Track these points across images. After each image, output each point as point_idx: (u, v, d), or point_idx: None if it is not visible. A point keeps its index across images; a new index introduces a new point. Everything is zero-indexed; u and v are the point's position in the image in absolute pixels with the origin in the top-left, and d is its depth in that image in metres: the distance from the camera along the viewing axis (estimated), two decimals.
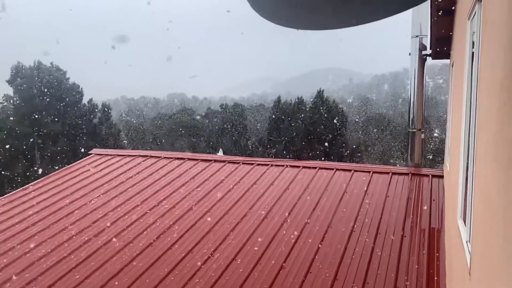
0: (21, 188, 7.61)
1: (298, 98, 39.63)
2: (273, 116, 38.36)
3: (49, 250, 5.37)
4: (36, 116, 34.37)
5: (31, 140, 33.47)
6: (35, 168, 32.21)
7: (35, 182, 7.84)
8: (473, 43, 3.05)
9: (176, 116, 45.82)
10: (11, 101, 37.11)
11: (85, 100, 39.42)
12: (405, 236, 5.16)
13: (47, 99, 35.91)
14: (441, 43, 7.08)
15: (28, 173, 30.73)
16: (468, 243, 2.40)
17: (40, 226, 6.05)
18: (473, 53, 3.01)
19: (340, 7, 1.04)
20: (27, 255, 5.33)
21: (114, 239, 5.55)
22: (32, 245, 5.52)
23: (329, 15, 1.07)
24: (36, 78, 36.50)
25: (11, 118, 34.30)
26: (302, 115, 37.01)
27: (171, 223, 5.88)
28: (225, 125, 40.92)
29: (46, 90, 36.04)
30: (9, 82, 36.82)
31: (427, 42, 7.79)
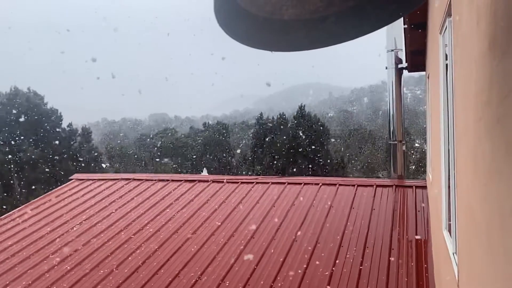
0: None
1: (280, 114, 39.90)
2: (256, 133, 38.45)
3: (30, 282, 5.18)
4: (14, 143, 33.60)
5: (9, 167, 32.59)
6: (15, 197, 31.29)
7: (14, 210, 7.60)
8: (446, 55, 3.14)
9: (158, 136, 45.48)
10: None
11: (64, 125, 38.81)
12: (393, 249, 5.16)
13: (25, 125, 35.20)
14: (416, 56, 7.27)
15: (7, 202, 29.80)
16: (454, 254, 2.41)
17: (20, 257, 5.84)
18: (447, 65, 3.09)
19: (312, 28, 1.05)
20: None
21: (97, 267, 5.39)
22: (11, 277, 5.31)
23: (301, 36, 1.07)
24: (13, 104, 35.82)
25: None
26: (285, 131, 37.21)
27: (157, 247, 5.75)
28: (209, 144, 40.78)
29: (23, 115, 35.35)
30: None
31: (402, 55, 7.99)
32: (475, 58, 1.46)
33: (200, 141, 42.49)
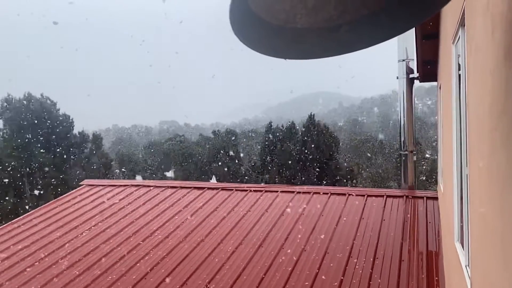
0: (10, 222, 7.44)
1: (289, 123, 39.87)
2: (266, 142, 38.44)
3: (39, 286, 5.20)
4: (27, 148, 34.05)
5: (21, 172, 33.01)
6: (26, 201, 31.64)
7: (24, 215, 7.67)
8: (459, 65, 3.11)
9: (168, 143, 45.72)
10: (1, 133, 36.80)
11: (76, 131, 39.24)
12: (403, 260, 5.09)
13: (38, 131, 35.69)
14: (428, 66, 7.24)
15: (18, 206, 30.15)
16: (467, 267, 2.37)
17: (29, 261, 5.88)
18: (459, 75, 3.07)
19: (325, 36, 1.05)
20: None
21: (106, 273, 5.40)
22: (21, 281, 5.35)
23: (314, 44, 1.07)
24: (26, 110, 36.38)
25: (1, 151, 33.91)
26: (295, 140, 37.16)
27: (165, 254, 5.75)
28: (218, 152, 40.87)
29: (36, 121, 35.87)
30: None
31: (413, 65, 7.96)
32: (490, 68, 1.44)
33: (209, 148, 42.60)
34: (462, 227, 2.80)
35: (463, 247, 2.72)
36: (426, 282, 4.63)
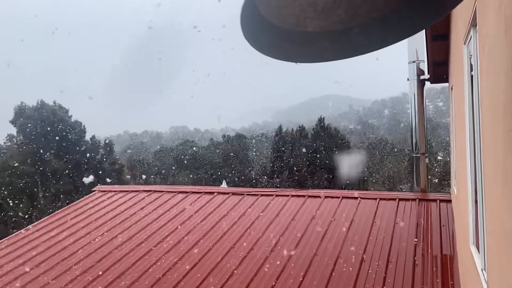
0: (24, 229, 7.53)
1: (299, 126, 39.76)
2: (276, 146, 38.40)
3: None
4: (39, 155, 34.53)
5: (34, 179, 33.47)
6: (39, 208, 32.04)
7: (38, 222, 7.76)
8: (471, 66, 3.08)
9: (179, 149, 45.98)
10: (15, 140, 37.38)
11: (87, 137, 39.67)
12: (417, 264, 5.02)
13: (50, 138, 36.18)
14: (439, 67, 7.17)
15: (31, 212, 30.56)
16: (483, 271, 2.33)
17: (43, 267, 5.94)
18: (472, 76, 3.03)
19: (336, 39, 1.04)
20: None
21: (119, 278, 5.43)
22: None
23: (324, 47, 1.07)
24: (39, 117, 36.92)
25: (15, 158, 34.45)
26: (305, 143, 37.04)
27: (177, 259, 5.76)
28: (228, 156, 40.95)
29: (49, 128, 36.37)
30: (13, 122, 37.23)
31: (424, 67, 7.89)
32: (503, 68, 1.42)
33: (219, 153, 42.73)
34: (477, 230, 2.75)
35: (478, 250, 2.67)
36: (440, 286, 4.56)
